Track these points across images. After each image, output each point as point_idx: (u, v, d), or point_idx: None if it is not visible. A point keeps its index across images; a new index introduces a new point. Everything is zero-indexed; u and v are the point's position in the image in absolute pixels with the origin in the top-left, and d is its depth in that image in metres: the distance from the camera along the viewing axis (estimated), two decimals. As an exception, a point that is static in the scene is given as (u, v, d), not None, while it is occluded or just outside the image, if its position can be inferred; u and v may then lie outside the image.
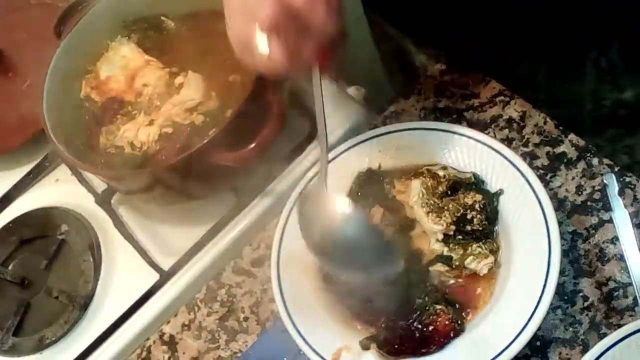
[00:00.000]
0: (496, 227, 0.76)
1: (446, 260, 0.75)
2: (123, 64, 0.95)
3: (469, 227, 0.75)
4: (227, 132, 0.80)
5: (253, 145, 0.79)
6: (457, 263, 0.75)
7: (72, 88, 0.95)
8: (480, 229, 0.75)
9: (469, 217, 0.75)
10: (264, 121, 0.79)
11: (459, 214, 0.75)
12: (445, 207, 0.76)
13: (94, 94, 0.95)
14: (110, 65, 0.95)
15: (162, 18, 0.97)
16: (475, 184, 0.78)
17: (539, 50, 0.85)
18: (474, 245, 0.75)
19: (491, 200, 0.77)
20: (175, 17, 0.97)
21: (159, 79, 0.93)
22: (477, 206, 0.76)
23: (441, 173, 0.78)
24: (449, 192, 0.77)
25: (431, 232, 0.76)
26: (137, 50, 0.95)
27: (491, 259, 0.74)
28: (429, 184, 0.77)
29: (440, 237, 0.76)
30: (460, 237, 0.75)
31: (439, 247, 0.76)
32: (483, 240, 0.75)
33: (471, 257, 0.74)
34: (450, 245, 0.75)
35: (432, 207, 0.76)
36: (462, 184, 0.78)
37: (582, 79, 0.86)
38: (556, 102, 0.86)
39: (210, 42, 0.92)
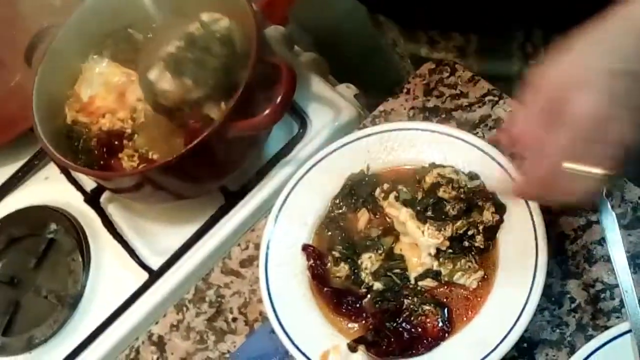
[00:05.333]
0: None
1: (435, 275, 0.74)
2: (102, 80, 0.95)
3: (467, 243, 0.75)
4: (242, 101, 0.81)
5: (269, 110, 0.80)
6: (445, 279, 0.74)
7: (59, 114, 0.95)
8: (482, 247, 0.74)
9: (470, 233, 0.75)
10: (275, 85, 0.80)
11: (462, 231, 0.74)
12: (452, 222, 0.74)
13: (81, 116, 0.95)
14: (89, 86, 0.95)
15: (129, 30, 0.98)
16: (492, 195, 0.76)
17: (470, 22, 0.85)
18: (463, 260, 0.74)
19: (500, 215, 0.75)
20: (141, 28, 0.98)
21: None
22: (481, 227, 0.75)
23: (454, 177, 0.77)
24: (465, 209, 0.75)
25: (424, 245, 0.75)
26: (113, 64, 0.95)
27: (480, 273, 0.74)
28: (447, 195, 0.76)
29: (434, 251, 0.74)
30: (451, 251, 0.74)
31: (429, 261, 0.75)
32: (474, 254, 0.74)
33: (460, 273, 0.74)
34: (441, 260, 0.74)
35: (432, 220, 0.75)
36: (477, 196, 0.76)
37: (509, 58, 0.87)
38: (489, 78, 0.87)
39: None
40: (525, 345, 0.72)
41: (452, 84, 0.88)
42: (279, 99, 0.80)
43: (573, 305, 0.73)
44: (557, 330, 0.72)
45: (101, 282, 0.93)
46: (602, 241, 0.75)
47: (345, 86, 1.05)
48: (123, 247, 0.92)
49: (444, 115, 0.86)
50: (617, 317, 0.71)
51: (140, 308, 0.88)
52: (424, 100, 0.88)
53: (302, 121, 0.94)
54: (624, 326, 0.67)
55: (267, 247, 0.80)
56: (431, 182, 0.77)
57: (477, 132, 0.84)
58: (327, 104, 0.95)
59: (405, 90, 0.89)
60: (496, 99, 0.85)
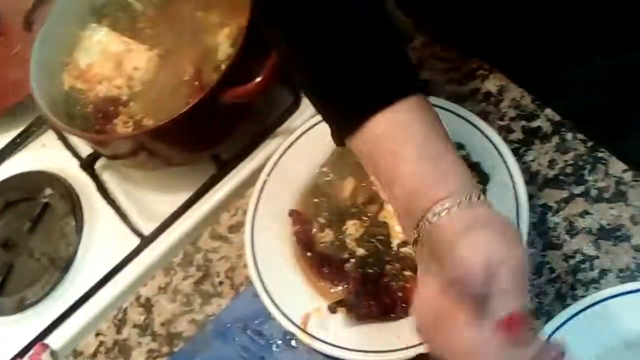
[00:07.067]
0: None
1: None
2: (101, 49, 0.97)
3: None
4: (235, 69, 0.83)
5: (260, 77, 0.81)
6: None
7: (57, 80, 0.97)
8: None
9: None
10: (267, 54, 0.82)
11: None
12: None
13: (79, 83, 0.97)
14: (88, 54, 0.98)
15: (129, 0, 0.99)
16: (475, 165, 0.77)
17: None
18: None
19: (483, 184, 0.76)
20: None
21: (149, 61, 0.95)
22: None
23: None
24: None
25: None
26: (111, 33, 0.97)
27: None
28: None
29: None
30: None
31: None
32: None
33: None
34: None
35: None
36: None
37: None
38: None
39: (178, 19, 0.97)
40: (503, 313, 0.73)
41: (444, 57, 0.88)
42: (270, 67, 0.82)
43: (552, 276, 0.74)
44: (536, 300, 0.73)
45: (93, 246, 0.94)
46: (583, 213, 0.76)
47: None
48: (116, 212, 0.93)
49: (434, 88, 0.86)
50: (595, 288, 0.72)
51: (130, 272, 0.89)
52: (415, 73, 0.88)
53: (296, 93, 0.95)
54: (598, 295, 0.67)
55: (254, 212, 0.81)
56: (416, 151, 0.78)
57: (467, 105, 0.84)
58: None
59: (397, 63, 0.90)
60: (486, 73, 0.86)
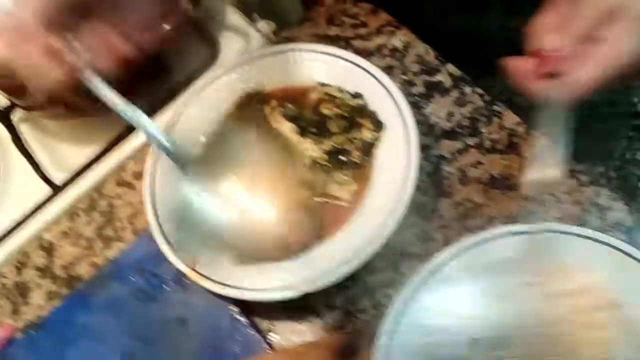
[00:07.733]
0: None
1: (309, 186, 0.77)
2: None
3: (344, 158, 0.77)
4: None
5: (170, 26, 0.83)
6: (320, 191, 0.77)
7: None
8: (358, 162, 0.77)
9: (348, 149, 0.77)
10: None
11: (340, 146, 0.77)
12: (331, 138, 0.78)
13: None
14: None
15: None
16: (372, 114, 0.79)
17: None
18: (338, 173, 0.77)
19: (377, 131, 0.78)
20: None
21: None
22: (360, 144, 0.78)
23: (338, 95, 0.80)
24: (347, 126, 0.79)
25: (301, 155, 0.77)
26: None
27: (354, 187, 0.76)
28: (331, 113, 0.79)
29: (308, 162, 0.77)
30: (327, 164, 0.77)
31: (303, 173, 0.77)
32: (351, 168, 0.77)
33: (336, 185, 0.76)
34: (315, 171, 0.77)
35: (315, 135, 0.78)
36: (357, 114, 0.79)
37: None
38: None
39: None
40: (393, 257, 0.74)
41: (354, 14, 0.90)
42: (181, 14, 0.82)
43: (442, 222, 0.75)
44: (424, 245, 0.74)
45: (6, 195, 0.94)
46: (476, 164, 0.77)
47: (265, 22, 1.07)
48: (29, 163, 0.94)
49: (343, 43, 0.88)
50: (481, 235, 0.73)
51: (39, 219, 0.90)
52: (325, 29, 0.89)
53: (213, 49, 0.95)
54: (479, 236, 0.69)
55: (156, 157, 0.81)
56: (316, 98, 0.79)
57: (373, 60, 0.85)
58: (239, 34, 0.97)
59: (309, 19, 0.91)
60: (394, 29, 0.87)
